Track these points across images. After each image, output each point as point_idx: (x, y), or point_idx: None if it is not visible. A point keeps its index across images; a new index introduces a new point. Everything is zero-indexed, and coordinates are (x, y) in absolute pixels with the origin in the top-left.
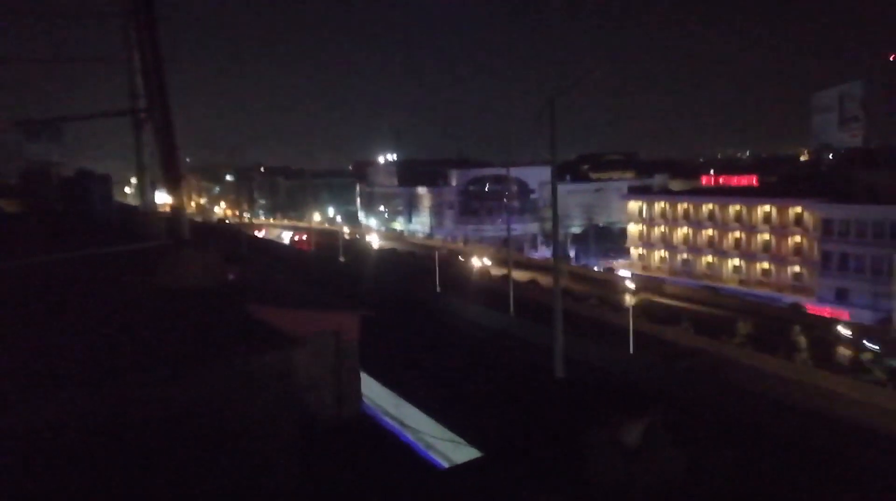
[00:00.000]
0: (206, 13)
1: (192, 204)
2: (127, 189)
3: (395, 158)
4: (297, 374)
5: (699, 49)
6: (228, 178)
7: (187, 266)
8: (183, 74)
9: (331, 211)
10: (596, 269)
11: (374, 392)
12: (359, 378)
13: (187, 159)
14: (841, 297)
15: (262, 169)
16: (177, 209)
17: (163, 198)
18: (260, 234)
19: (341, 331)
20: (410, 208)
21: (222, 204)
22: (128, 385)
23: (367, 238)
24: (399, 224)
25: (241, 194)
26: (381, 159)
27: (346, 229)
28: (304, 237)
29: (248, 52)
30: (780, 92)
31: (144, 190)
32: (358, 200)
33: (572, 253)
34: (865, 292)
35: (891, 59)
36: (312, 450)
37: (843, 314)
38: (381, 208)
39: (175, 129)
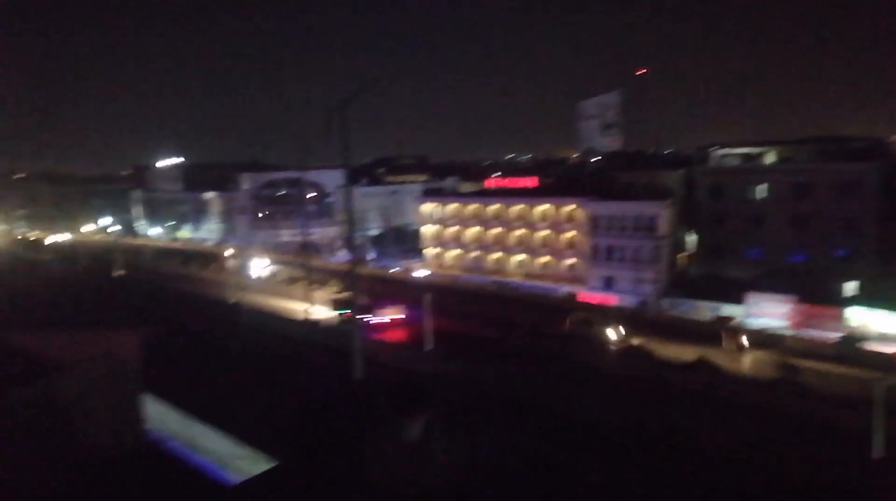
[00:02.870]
0: None
1: None
2: None
3: (180, 163)
4: (64, 403)
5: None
6: None
7: None
8: None
9: (107, 219)
10: (394, 269)
11: (161, 416)
12: (142, 403)
13: None
14: (609, 285)
15: (16, 175)
16: None
17: None
18: None
19: (117, 353)
20: (198, 214)
21: None
22: None
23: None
24: (186, 232)
25: None
26: (162, 164)
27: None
28: None
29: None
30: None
31: None
32: (138, 207)
33: (372, 255)
34: (629, 280)
35: (637, 73)
36: (91, 485)
37: (612, 299)
38: (165, 215)
39: None
